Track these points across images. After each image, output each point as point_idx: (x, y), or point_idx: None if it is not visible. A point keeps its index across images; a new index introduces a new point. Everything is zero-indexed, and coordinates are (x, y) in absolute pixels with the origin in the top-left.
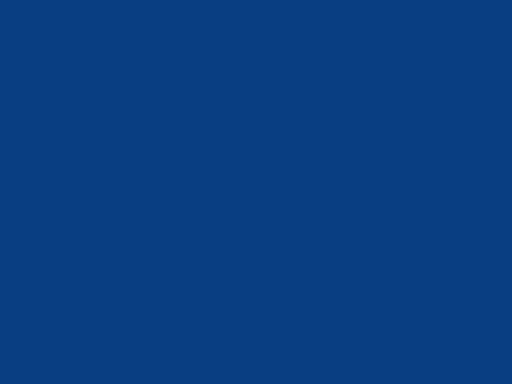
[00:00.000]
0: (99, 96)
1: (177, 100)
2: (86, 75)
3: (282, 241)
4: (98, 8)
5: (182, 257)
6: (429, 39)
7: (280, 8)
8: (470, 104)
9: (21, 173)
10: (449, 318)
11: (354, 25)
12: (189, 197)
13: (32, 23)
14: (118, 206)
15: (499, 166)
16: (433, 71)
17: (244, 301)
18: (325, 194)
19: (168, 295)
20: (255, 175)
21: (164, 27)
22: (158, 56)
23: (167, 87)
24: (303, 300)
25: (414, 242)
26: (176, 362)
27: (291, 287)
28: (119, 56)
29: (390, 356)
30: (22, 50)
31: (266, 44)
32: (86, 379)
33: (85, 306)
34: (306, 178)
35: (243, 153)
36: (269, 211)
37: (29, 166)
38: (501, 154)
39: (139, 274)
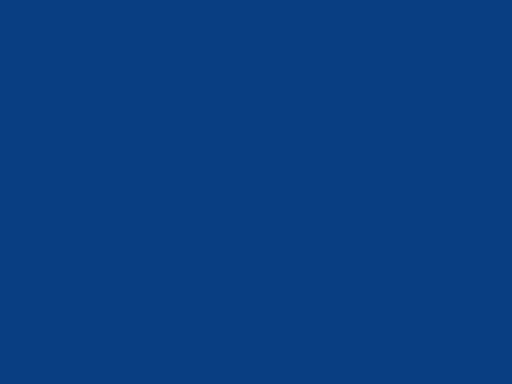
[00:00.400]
0: (99, 96)
1: (177, 100)
2: (86, 75)
3: (281, 241)
4: (98, 8)
5: (182, 257)
6: (429, 39)
7: (280, 8)
8: (470, 104)
9: (21, 173)
10: (449, 318)
11: (354, 25)
12: (189, 197)
13: (32, 23)
14: (118, 206)
15: (499, 165)
16: (433, 71)
17: (244, 301)
18: (325, 194)
19: (168, 295)
20: (255, 175)
21: (164, 27)
22: (158, 56)
23: (167, 87)
24: (303, 300)
25: (414, 242)
26: (176, 362)
27: (291, 287)
28: (119, 56)
29: (390, 356)
30: (22, 50)
31: (265, 44)
32: (86, 379)
33: (85, 305)
34: (305, 178)
35: (243, 153)
36: (269, 211)
37: (29, 166)
38: (501, 154)
39: (139, 274)
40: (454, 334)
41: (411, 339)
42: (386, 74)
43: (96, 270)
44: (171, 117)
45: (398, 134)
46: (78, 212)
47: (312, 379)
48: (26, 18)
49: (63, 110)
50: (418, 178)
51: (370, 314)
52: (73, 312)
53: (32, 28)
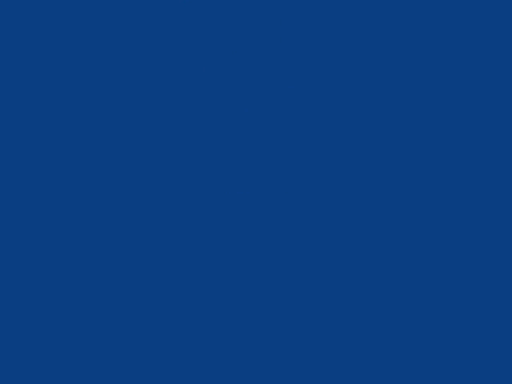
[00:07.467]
0: (99, 96)
1: (177, 100)
2: (86, 75)
3: (282, 241)
4: (98, 8)
5: (182, 257)
6: (429, 39)
7: (280, 9)
8: (470, 104)
9: (21, 173)
10: (449, 318)
11: (353, 25)
12: (189, 197)
13: (32, 23)
14: (118, 207)
15: (499, 166)
16: (433, 71)
17: (244, 301)
18: (325, 195)
19: (168, 295)
20: (255, 175)
21: (164, 27)
22: (158, 56)
23: (167, 87)
24: (303, 300)
25: (415, 242)
26: (176, 362)
27: (291, 287)
28: (119, 56)
29: (389, 356)
30: (23, 50)
31: (265, 44)
32: (86, 379)
33: (85, 306)
34: (305, 179)
35: (243, 153)
36: (268, 212)
37: (29, 166)
38: (501, 154)
39: (139, 274)
40: (454, 334)
41: (411, 339)
42: (385, 74)
43: (96, 270)
44: (171, 117)
45: (398, 134)
46: (77, 212)
47: (312, 379)
48: (26, 18)
49: (63, 109)
50: (418, 178)
51: (369, 314)
52: (73, 312)
53: (32, 28)
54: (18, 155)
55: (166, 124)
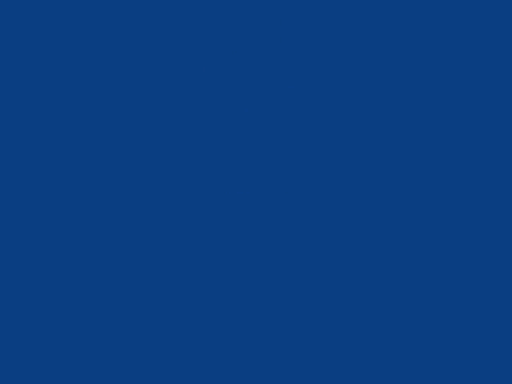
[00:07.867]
0: (99, 96)
1: (177, 100)
2: (86, 75)
3: (282, 241)
4: (98, 8)
5: (182, 257)
6: (429, 39)
7: (280, 8)
8: (470, 104)
9: (21, 173)
10: (449, 318)
11: (354, 25)
12: (189, 197)
13: (32, 23)
14: (118, 207)
15: (499, 166)
16: (433, 71)
17: (244, 301)
18: (325, 195)
19: (168, 295)
20: (255, 175)
21: (164, 27)
22: (159, 56)
23: (167, 87)
24: (303, 300)
25: (415, 242)
26: (176, 362)
27: (291, 287)
28: (119, 56)
29: (390, 356)
30: (23, 51)
31: (265, 44)
32: (86, 379)
33: (85, 306)
34: (305, 178)
35: (243, 153)
36: (268, 211)
37: (29, 166)
38: (501, 154)
39: (139, 274)
40: (454, 334)
41: (411, 339)
42: (386, 74)
43: (96, 270)
44: (171, 117)
45: (398, 134)
46: (77, 212)
47: (312, 379)
48: (26, 18)
49: (63, 110)
50: (419, 178)
51: (370, 314)
52: (73, 312)
53: (32, 28)
54: (18, 155)
55: (166, 123)
